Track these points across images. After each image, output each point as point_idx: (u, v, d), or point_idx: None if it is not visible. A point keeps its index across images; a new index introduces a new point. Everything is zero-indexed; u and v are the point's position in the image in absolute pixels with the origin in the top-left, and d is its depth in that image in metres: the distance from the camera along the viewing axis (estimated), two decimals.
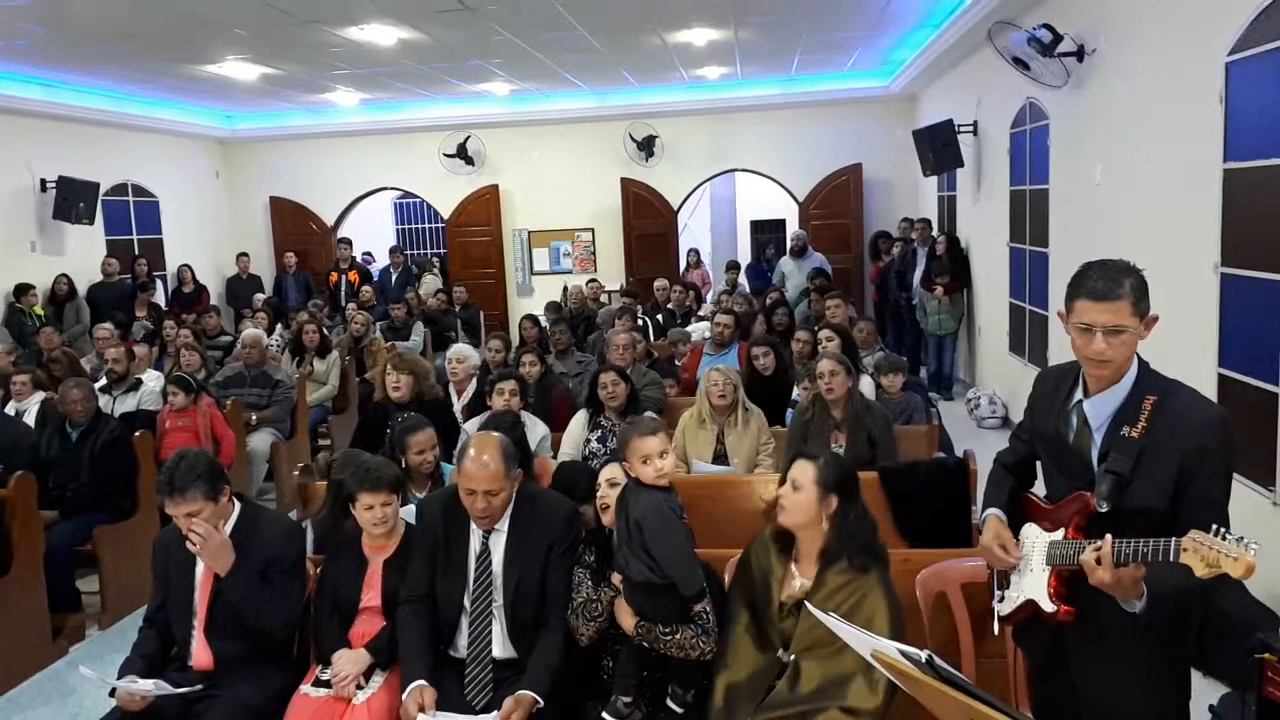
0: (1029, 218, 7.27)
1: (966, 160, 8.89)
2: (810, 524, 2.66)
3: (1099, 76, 5.71)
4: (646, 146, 12.24)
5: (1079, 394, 2.28)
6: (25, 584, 4.41)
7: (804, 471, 2.67)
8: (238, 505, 3.09)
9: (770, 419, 4.93)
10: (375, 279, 12.01)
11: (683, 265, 12.30)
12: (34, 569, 4.46)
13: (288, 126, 12.78)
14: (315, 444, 7.34)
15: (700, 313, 8.79)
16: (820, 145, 12.03)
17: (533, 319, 7.74)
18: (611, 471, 2.94)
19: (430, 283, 11.68)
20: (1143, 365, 2.22)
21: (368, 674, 2.92)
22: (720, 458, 4.68)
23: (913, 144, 9.65)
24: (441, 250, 13.82)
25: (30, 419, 5.56)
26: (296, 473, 4.28)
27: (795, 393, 5.48)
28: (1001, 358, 8.14)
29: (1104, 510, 2.16)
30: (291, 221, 13.19)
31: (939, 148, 8.80)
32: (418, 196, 13.72)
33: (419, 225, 16.16)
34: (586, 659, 2.91)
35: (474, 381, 5.77)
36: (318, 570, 3.23)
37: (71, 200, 9.88)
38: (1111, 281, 2.12)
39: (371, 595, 3.08)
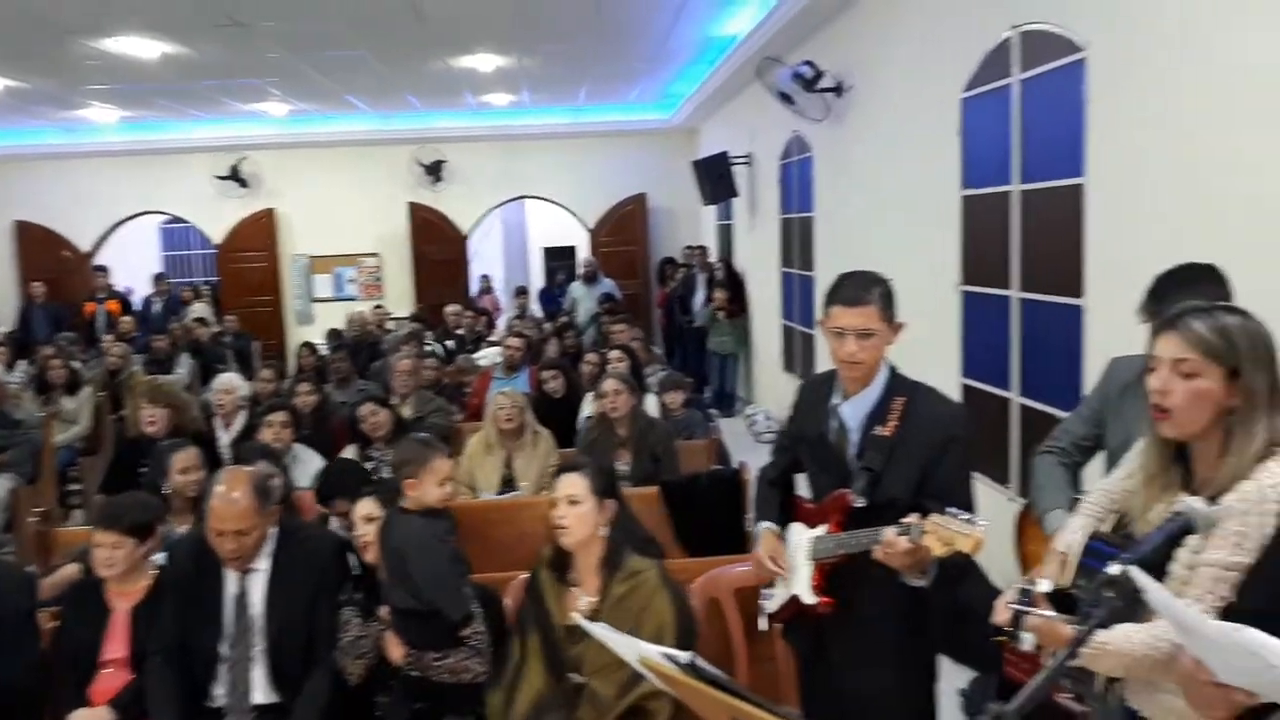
0: (797, 244, 7.71)
1: (741, 190, 9.34)
2: (592, 536, 2.65)
3: (855, 111, 6.16)
4: (434, 171, 12.05)
5: (836, 398, 2.43)
6: None
7: (575, 485, 2.64)
8: None
9: (562, 441, 4.94)
10: (137, 309, 11.11)
11: (474, 291, 12.17)
12: None
13: (37, 145, 11.64)
14: (64, 488, 6.65)
15: (491, 338, 8.71)
16: (608, 174, 12.29)
17: (310, 347, 7.41)
18: (366, 508, 2.85)
19: (199, 311, 10.93)
20: (892, 370, 2.40)
21: None
22: (509, 482, 4.63)
23: (693, 174, 10.03)
24: (210, 278, 12.98)
25: None
26: (35, 518, 3.87)
27: (584, 413, 5.53)
28: (775, 376, 8.56)
29: (861, 505, 2.30)
30: (39, 248, 12.00)
31: (715, 178, 9.18)
32: (186, 221, 12.84)
33: (188, 251, 15.11)
34: (359, 698, 2.78)
35: (241, 414, 5.42)
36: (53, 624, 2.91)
37: None
38: (861, 289, 2.30)
39: (115, 647, 2.81)
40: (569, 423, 5.45)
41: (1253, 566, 1.54)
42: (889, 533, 2.12)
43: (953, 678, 3.71)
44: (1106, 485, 2.03)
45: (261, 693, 2.70)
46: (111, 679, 2.77)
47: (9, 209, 11.96)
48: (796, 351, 7.93)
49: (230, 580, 2.74)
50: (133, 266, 13.41)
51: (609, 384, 4.64)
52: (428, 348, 7.92)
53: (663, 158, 12.23)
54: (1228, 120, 2.76)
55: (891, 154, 5.56)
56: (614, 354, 5.50)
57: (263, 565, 2.76)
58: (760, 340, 9.29)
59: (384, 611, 2.69)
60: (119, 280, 12.28)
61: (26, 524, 5.58)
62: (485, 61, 8.51)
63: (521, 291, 11.11)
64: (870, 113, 5.91)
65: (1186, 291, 2.24)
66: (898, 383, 2.38)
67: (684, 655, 1.75)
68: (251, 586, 2.74)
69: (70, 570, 3.16)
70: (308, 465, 4.45)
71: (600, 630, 2.00)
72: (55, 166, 11.90)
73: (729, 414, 9.34)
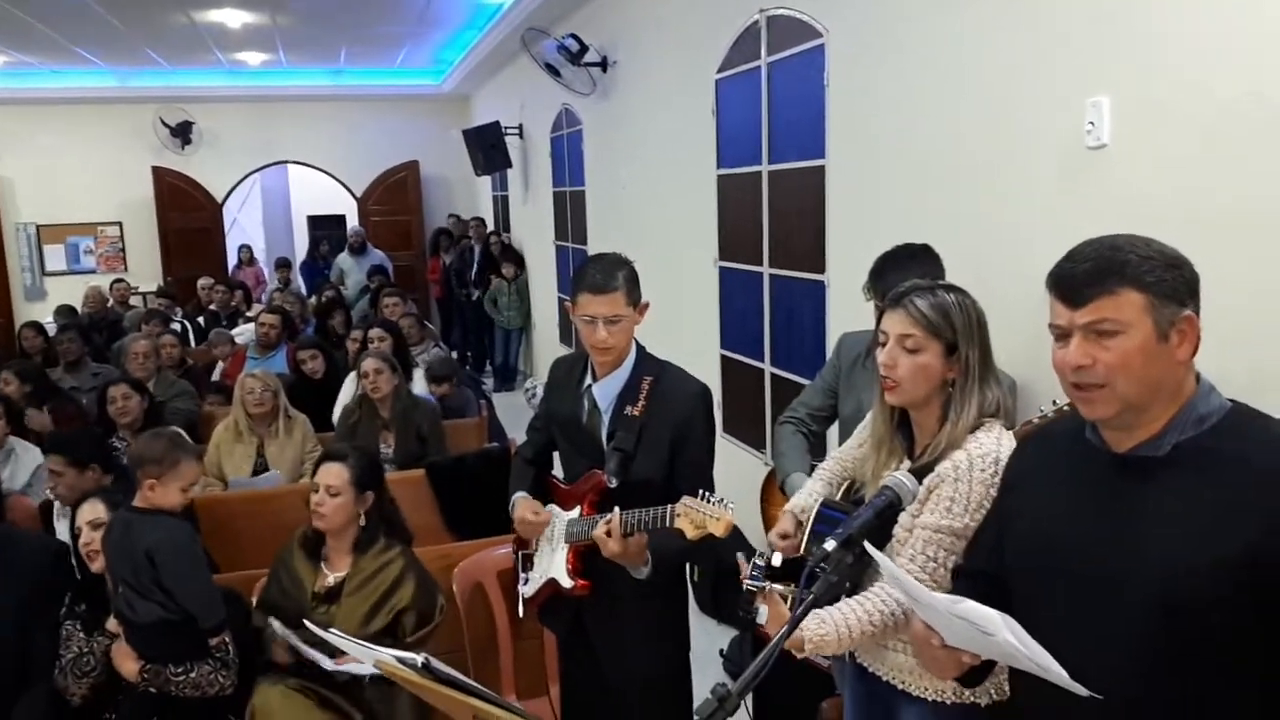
0: (570, 217, 7.73)
1: (515, 161, 9.23)
2: (348, 524, 2.71)
3: (621, 87, 6.22)
4: (182, 134, 11.11)
5: (589, 379, 2.44)
6: None
7: (336, 475, 2.68)
8: None
9: (321, 425, 4.72)
10: None
11: (232, 263, 11.36)
12: None
13: None
14: None
15: (249, 314, 8.17)
16: (376, 141, 11.79)
17: (36, 326, 6.66)
18: (93, 511, 2.60)
19: None
20: (640, 349, 2.44)
21: None
22: (260, 471, 4.37)
23: (464, 144, 9.80)
24: None
25: None
26: None
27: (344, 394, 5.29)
28: (554, 349, 8.59)
29: (614, 485, 2.33)
30: None
31: (487, 148, 9.02)
32: None
33: None
34: (85, 718, 2.55)
35: None
36: None
37: None
38: (607, 275, 2.31)
39: None
40: (327, 405, 5.21)
41: (975, 529, 1.68)
42: (599, 525, 2.21)
43: (716, 638, 3.90)
44: (840, 453, 2.17)
45: None
46: None
47: None
48: (573, 325, 7.96)
49: None
50: None
51: (369, 363, 4.47)
52: (175, 326, 7.34)
53: (435, 125, 11.88)
54: (953, 106, 2.97)
55: (654, 131, 5.65)
56: (375, 332, 5.28)
57: None
58: (539, 313, 9.27)
59: (112, 624, 2.46)
60: None
61: None
62: (232, 17, 7.89)
63: (283, 263, 10.48)
64: (634, 89, 5.98)
65: (904, 270, 2.41)
66: (646, 362, 2.43)
67: (416, 657, 1.71)
68: None
69: None
70: (26, 461, 4.00)
71: (335, 637, 1.92)
72: None
73: (509, 388, 9.27)
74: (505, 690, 2.89)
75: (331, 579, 2.70)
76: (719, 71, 4.63)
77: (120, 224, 11.33)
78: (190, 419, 4.91)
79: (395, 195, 11.84)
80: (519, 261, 9.42)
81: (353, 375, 5.39)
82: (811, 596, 1.49)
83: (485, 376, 9.49)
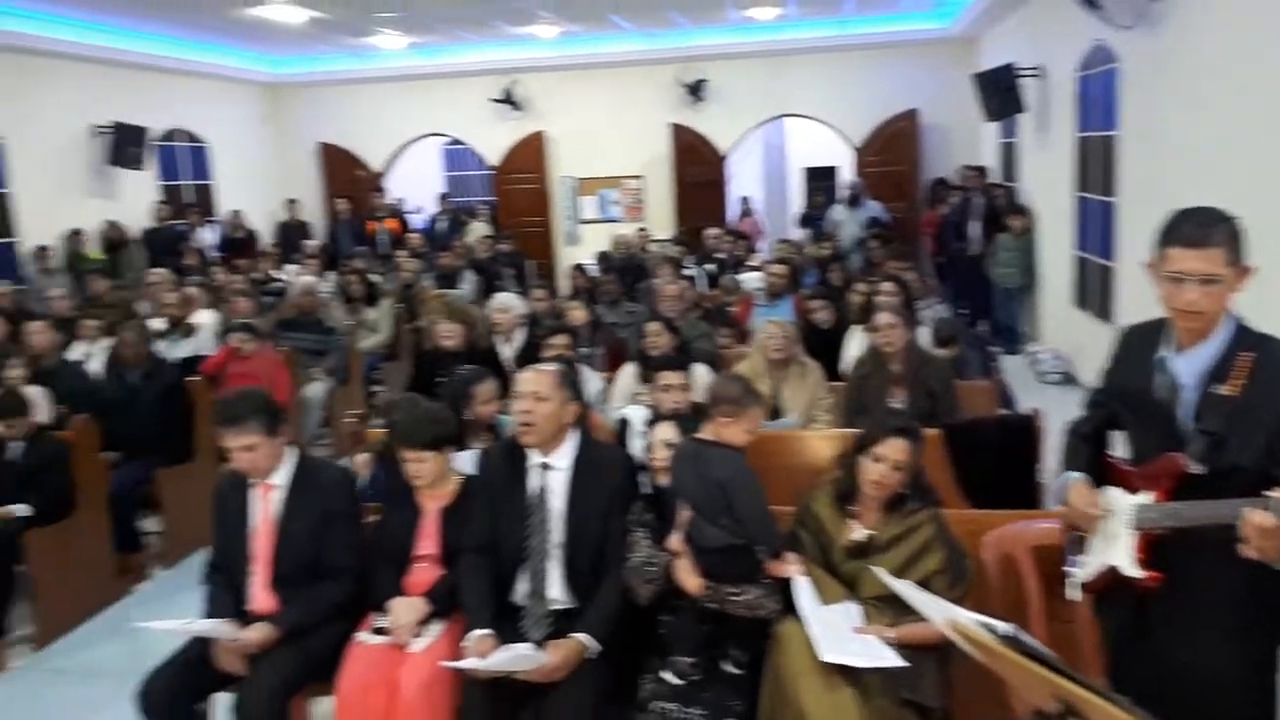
0: (1097, 166, 7.00)
1: (1029, 105, 8.57)
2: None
3: (1178, 15, 5.42)
4: (696, 91, 11.98)
5: (1167, 350, 2.18)
6: (90, 524, 4.50)
7: (900, 450, 2.63)
8: (294, 453, 3.09)
9: (826, 374, 4.84)
10: (419, 228, 11.99)
11: (733, 214, 12.10)
12: (98, 510, 4.55)
13: (335, 71, 12.71)
14: (369, 390, 7.37)
15: (751, 262, 8.64)
16: (876, 90, 11.69)
17: (581, 268, 7.66)
18: (667, 431, 2.90)
19: (478, 230, 11.62)
20: (1238, 321, 2.12)
21: (425, 622, 2.92)
22: (775, 412, 4.60)
23: (972, 89, 9.32)
24: (487, 198, 13.74)
25: (97, 363, 5.65)
26: (351, 418, 4.29)
27: (850, 346, 5.37)
28: (1064, 311, 7.92)
29: (1197, 471, 2.07)
30: (340, 168, 13.18)
31: (1000, 92, 8.49)
32: (465, 144, 13.62)
33: (468, 172, 16.06)
34: (643, 615, 2.89)
35: (520, 331, 5.71)
36: (371, 519, 3.23)
37: (124, 145, 9.96)
38: (1206, 228, 2.04)
39: (426, 544, 3.07)
40: (833, 355, 5.33)
41: None
42: (1254, 510, 1.88)
43: None
44: None
45: (557, 590, 2.86)
46: (424, 573, 3.04)
47: (314, 130, 13.19)
48: (1092, 286, 7.26)
49: (533, 475, 2.90)
50: (419, 186, 14.43)
51: (883, 317, 4.46)
52: (687, 272, 7.99)
53: (937, 71, 11.46)
54: None
55: (1231, 66, 4.84)
56: (886, 285, 5.26)
57: (563, 464, 2.90)
58: (1048, 272, 8.57)
59: (674, 542, 2.74)
60: (409, 200, 13.24)
61: (341, 422, 6.27)
62: None
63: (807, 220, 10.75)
64: (1200, 17, 5.17)
65: None
66: (1244, 336, 2.10)
67: (1004, 626, 1.66)
68: (552, 483, 2.89)
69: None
70: (589, 383, 4.62)
71: (906, 588, 1.94)
72: (350, 91, 12.94)
73: (1011, 351, 8.73)
74: None
75: (861, 534, 2.71)
76: None
77: (642, 177, 12.61)
78: (711, 358, 5.31)
79: (893, 145, 11.69)
80: (1024, 214, 8.79)
81: (856, 327, 5.46)
82: None
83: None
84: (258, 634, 2.82)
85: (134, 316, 7.06)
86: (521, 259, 10.49)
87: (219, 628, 2.81)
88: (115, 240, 9.90)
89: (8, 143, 9.02)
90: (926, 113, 11.60)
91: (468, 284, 8.96)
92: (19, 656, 4.12)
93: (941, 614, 1.86)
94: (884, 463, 2.63)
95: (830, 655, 2.38)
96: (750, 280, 7.83)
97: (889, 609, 2.57)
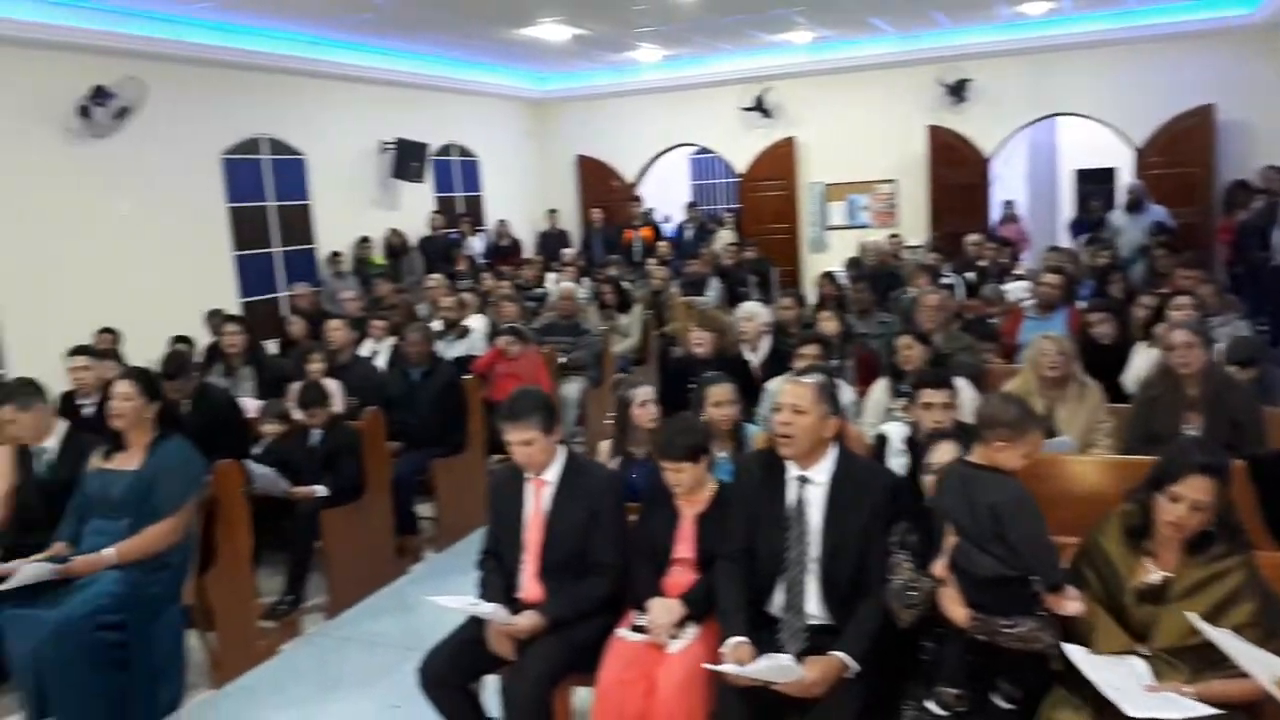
0: None
1: None
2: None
3: None
4: (957, 91, 11.45)
5: None
6: (376, 506, 4.94)
7: (1203, 489, 2.37)
8: (564, 452, 3.22)
9: (1108, 394, 4.46)
10: (668, 235, 12.25)
11: (995, 219, 11.45)
12: (383, 493, 4.99)
13: (593, 86, 13.26)
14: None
15: (1017, 271, 8.13)
16: (1162, 84, 10.65)
17: (830, 276, 7.53)
18: (948, 453, 2.77)
19: (724, 238, 11.72)
20: None
21: (681, 624, 2.96)
22: (1049, 435, 4.28)
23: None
24: (733, 205, 13.83)
25: (383, 360, 6.22)
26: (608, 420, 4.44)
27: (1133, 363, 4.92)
28: None
29: None
30: (595, 179, 13.73)
31: None
32: (713, 152, 13.79)
33: (713, 180, 16.26)
34: (905, 639, 2.78)
35: (766, 339, 5.68)
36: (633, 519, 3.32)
37: (406, 160, 10.90)
38: None
39: (683, 548, 3.11)
40: (1114, 373, 4.90)
41: None
42: None
43: None
44: None
45: (814, 605, 2.82)
46: (680, 575, 3.09)
47: (572, 144, 13.82)
48: None
49: (791, 488, 2.88)
50: (666, 195, 14.78)
51: (1179, 335, 4.03)
52: (945, 280, 7.65)
53: (1238, 62, 10.28)
54: None
55: None
56: (1180, 299, 4.77)
57: (821, 478, 2.86)
58: None
59: (939, 568, 2.61)
60: (657, 208, 13.60)
61: (595, 422, 6.51)
62: None
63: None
64: None
65: None
66: None
67: None
68: (810, 496, 2.86)
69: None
70: (842, 395, 4.52)
71: (1224, 638, 1.73)
72: (606, 104, 13.44)
73: None
74: None
75: (1156, 576, 2.46)
76: None
77: (894, 181, 12.23)
78: (974, 373, 5.04)
79: (1181, 144, 10.58)
80: None
81: (1142, 344, 5.01)
82: None
83: None
84: (528, 621, 2.97)
85: (415, 318, 7.70)
86: (766, 266, 10.48)
87: (497, 612, 2.98)
88: (396, 247, 10.85)
89: (309, 159, 10.11)
90: (1223, 108, 10.42)
91: (713, 291, 9.06)
92: (313, 623, 4.59)
93: (1266, 669, 1.64)
94: (1182, 503, 2.37)
95: (1138, 711, 2.16)
96: (1015, 290, 7.37)
97: (1185, 663, 2.32)
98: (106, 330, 6.94)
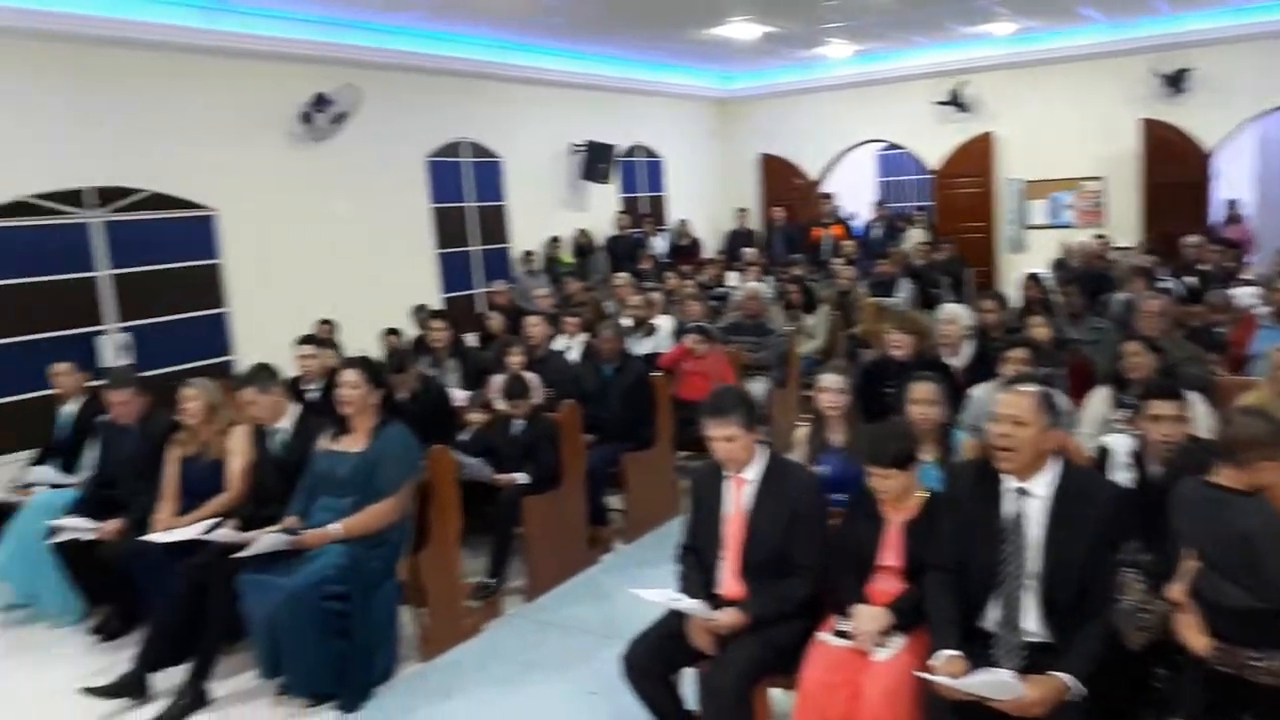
0: None
1: None
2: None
3: None
4: (1176, 82, 10.62)
5: None
6: (572, 496, 5.09)
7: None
8: (765, 452, 3.22)
9: None
10: (855, 234, 11.99)
11: (1216, 219, 10.55)
12: (578, 484, 5.14)
13: (779, 83, 13.15)
14: (804, 394, 7.52)
15: (1244, 276, 7.46)
16: None
17: (1035, 278, 7.16)
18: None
19: (915, 236, 11.35)
20: None
21: (886, 633, 2.89)
22: None
23: None
24: (924, 203, 13.37)
25: (575, 355, 6.41)
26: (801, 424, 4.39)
27: None
28: None
29: None
30: (778, 177, 13.61)
31: None
32: (902, 148, 13.39)
33: (902, 177, 15.78)
34: (1134, 664, 2.61)
35: (968, 343, 5.44)
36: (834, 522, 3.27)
37: (594, 161, 11.17)
38: None
39: (889, 556, 3.04)
40: None
41: None
42: None
43: None
44: None
45: (1032, 622, 2.69)
46: (885, 583, 3.02)
47: (756, 143, 13.75)
48: None
49: (1008, 500, 2.76)
50: (852, 192, 14.47)
51: None
52: (1162, 284, 7.11)
53: None
54: None
55: None
56: None
57: (1041, 491, 2.74)
58: None
59: (1176, 593, 2.42)
60: (843, 206, 13.34)
61: (779, 422, 6.47)
62: None
63: None
64: None
65: None
66: None
67: None
68: (1029, 510, 2.73)
69: None
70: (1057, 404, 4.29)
71: None
72: (792, 102, 13.28)
73: None
74: None
75: None
76: None
77: (1102, 179, 11.48)
78: (1204, 384, 4.66)
79: None
80: None
81: None
82: None
83: None
84: (730, 618, 2.98)
85: (604, 315, 7.90)
86: (960, 267, 10.06)
87: (698, 607, 3.01)
88: (584, 246, 11.14)
89: (505, 162, 10.53)
90: None
91: (904, 292, 8.79)
92: (512, 605, 4.78)
93: None
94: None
95: None
96: (1242, 296, 6.78)
97: None
98: (325, 321, 7.46)
